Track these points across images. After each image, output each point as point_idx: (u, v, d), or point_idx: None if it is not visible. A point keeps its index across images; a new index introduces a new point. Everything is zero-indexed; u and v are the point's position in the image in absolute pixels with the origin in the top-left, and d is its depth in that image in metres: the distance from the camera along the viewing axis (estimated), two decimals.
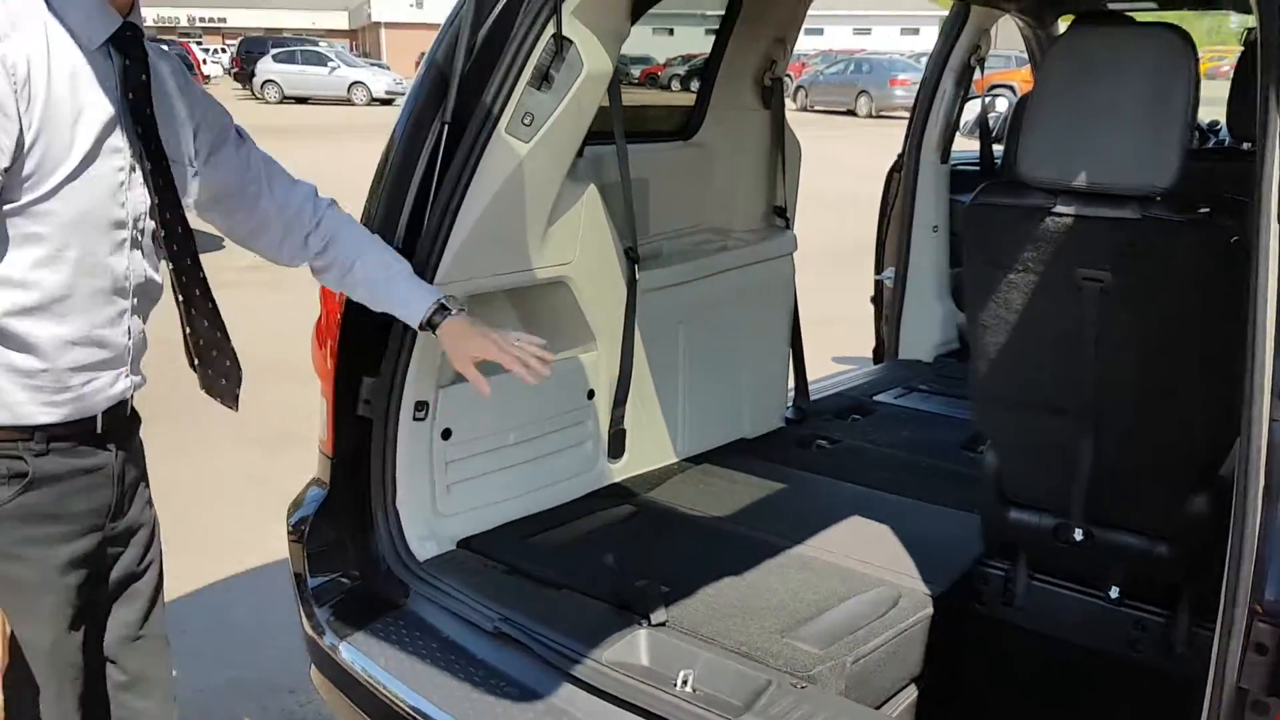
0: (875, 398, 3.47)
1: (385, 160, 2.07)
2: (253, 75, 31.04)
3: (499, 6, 2.01)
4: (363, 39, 61.52)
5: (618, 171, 2.48)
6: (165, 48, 1.60)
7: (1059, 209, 1.70)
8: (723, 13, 2.93)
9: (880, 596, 2.00)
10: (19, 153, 1.30)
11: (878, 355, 4.08)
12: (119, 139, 1.40)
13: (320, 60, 30.87)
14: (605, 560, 1.97)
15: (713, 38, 2.95)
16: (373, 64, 35.77)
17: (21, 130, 1.29)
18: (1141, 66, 1.63)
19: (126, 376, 1.53)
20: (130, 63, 1.41)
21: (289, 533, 2.11)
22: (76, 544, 1.50)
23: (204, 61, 33.52)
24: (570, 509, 2.37)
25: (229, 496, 3.99)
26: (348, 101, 30.03)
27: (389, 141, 2.08)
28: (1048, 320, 1.80)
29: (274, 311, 6.83)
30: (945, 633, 1.98)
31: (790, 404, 3.23)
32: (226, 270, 7.92)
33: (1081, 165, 1.66)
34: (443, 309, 1.76)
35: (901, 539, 2.26)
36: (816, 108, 26.96)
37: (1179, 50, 1.60)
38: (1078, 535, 1.87)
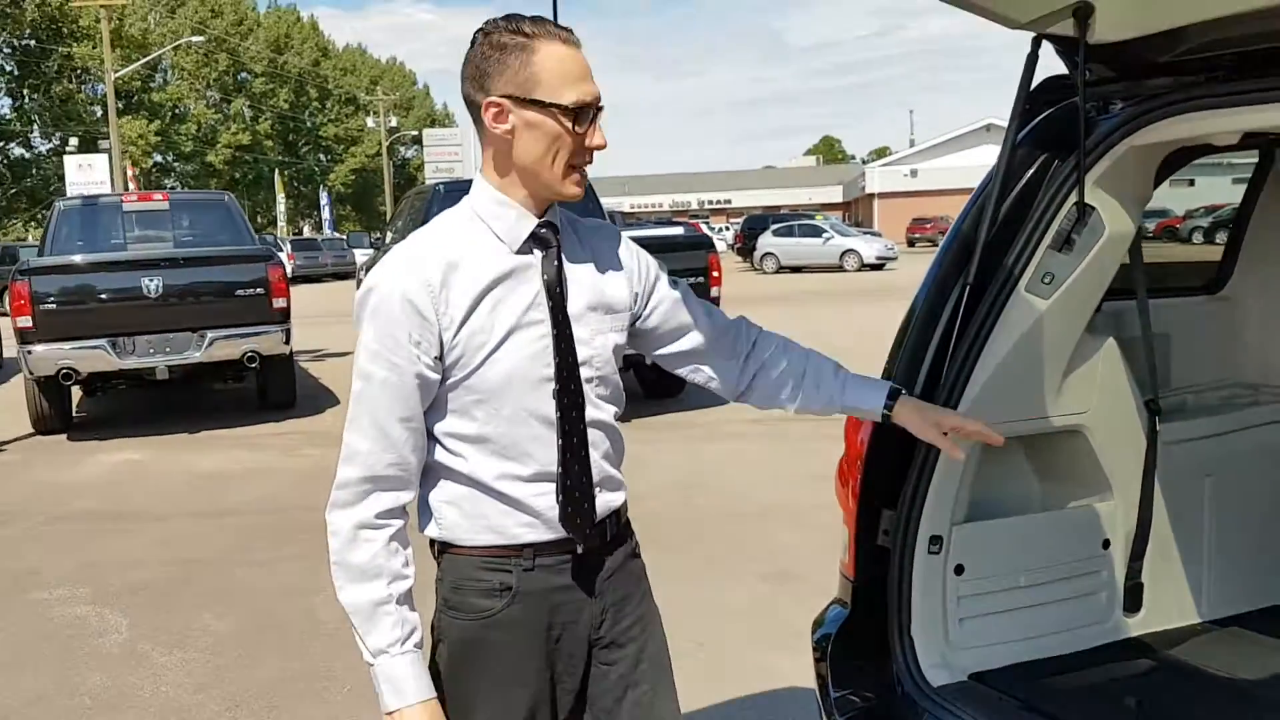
0: None
1: (909, 317, 2.32)
2: (753, 249, 33.81)
3: (1024, 180, 2.20)
4: (856, 209, 64.36)
5: (1137, 326, 2.52)
6: (608, 221, 1.88)
7: None
8: (1254, 163, 2.88)
9: None
10: (442, 346, 1.64)
11: None
12: (540, 313, 1.68)
13: (815, 232, 32.89)
14: (1126, 702, 1.96)
15: (1241, 187, 2.90)
16: (865, 232, 37.31)
17: (441, 328, 1.63)
18: None
19: (593, 503, 1.74)
20: (545, 253, 1.70)
21: (813, 648, 2.34)
22: (556, 646, 1.76)
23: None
24: (1085, 656, 2.36)
25: (740, 623, 4.34)
26: (839, 268, 31.54)
27: (912, 302, 2.33)
28: None
29: (773, 460, 7.35)
30: None
31: None
32: (732, 423, 8.73)
33: None
34: (894, 393, 1.91)
35: None
36: None
37: None
38: None
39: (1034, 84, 2.21)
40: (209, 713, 3.75)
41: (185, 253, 9.46)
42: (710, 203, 73.49)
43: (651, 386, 9.97)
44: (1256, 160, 2.86)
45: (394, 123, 67.81)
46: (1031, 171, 2.20)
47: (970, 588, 2.27)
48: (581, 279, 1.75)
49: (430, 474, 1.74)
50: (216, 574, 5.32)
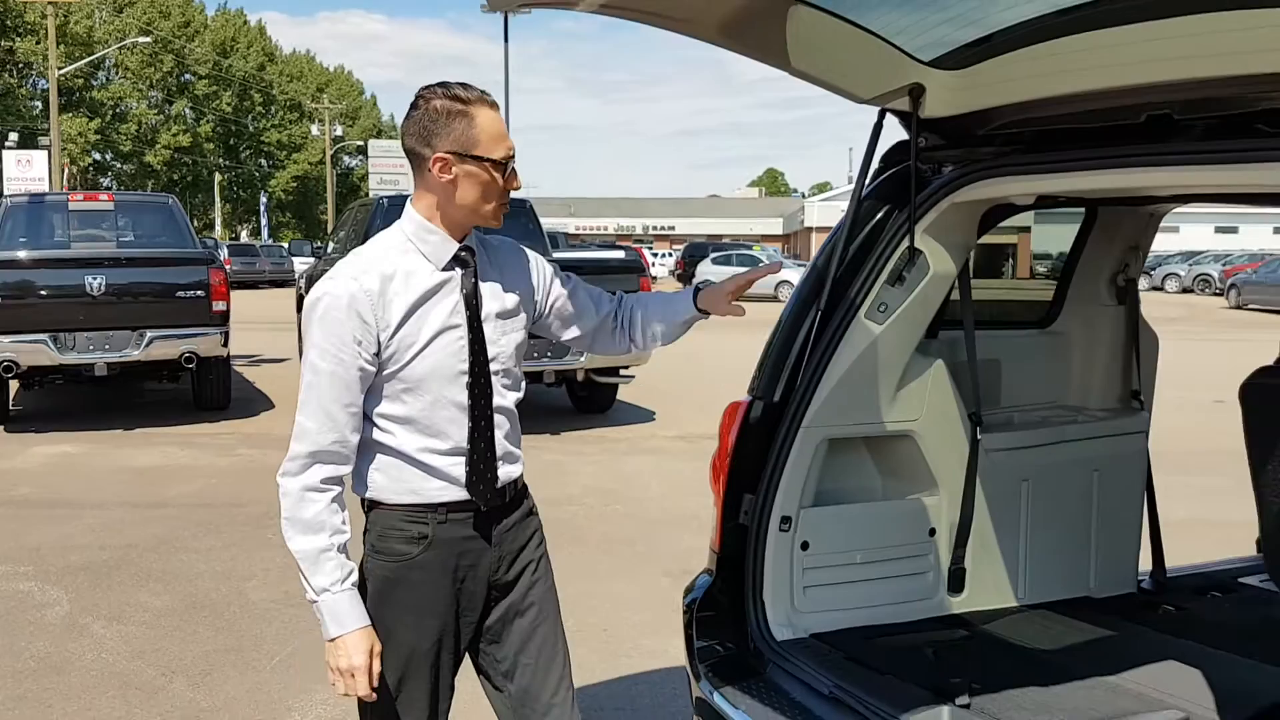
0: (1241, 580, 3.54)
1: (773, 335, 2.77)
2: (693, 276, 34.53)
3: (868, 227, 2.68)
4: (794, 242, 65.55)
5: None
6: (523, 247, 2.31)
7: None
8: (1079, 223, 3.40)
9: (1171, 717, 2.27)
10: (379, 345, 2.01)
11: (1260, 545, 4.06)
12: (459, 319, 2.07)
13: (753, 262, 33.68)
14: (936, 660, 2.42)
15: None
16: (800, 264, 38.18)
17: (379, 330, 2.01)
18: None
19: (495, 473, 2.14)
20: (464, 271, 2.09)
21: (683, 609, 2.78)
22: (461, 585, 2.14)
23: (652, 263, 37.85)
24: (910, 626, 2.81)
25: (642, 614, 4.75)
26: (774, 298, 32.30)
27: (776, 322, 2.79)
28: None
29: (689, 473, 7.78)
30: None
31: (1148, 576, 3.43)
32: (656, 438, 9.20)
33: None
34: (695, 293, 2.35)
35: (1212, 683, 2.47)
36: (1251, 306, 26.94)
37: None
38: None
39: (886, 147, 2.71)
40: (146, 677, 4.07)
41: (129, 253, 9.68)
42: (655, 228, 74.26)
43: (581, 402, 10.39)
44: (1082, 220, 3.38)
45: (339, 131, 67.55)
46: (874, 220, 2.68)
47: (814, 561, 2.72)
48: (491, 290, 2.14)
49: (364, 447, 2.13)
50: (152, 558, 5.61)
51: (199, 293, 9.37)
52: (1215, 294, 34.15)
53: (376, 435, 2.11)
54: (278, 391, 11.42)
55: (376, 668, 2.06)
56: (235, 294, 9.99)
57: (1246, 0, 1.94)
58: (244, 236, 65.71)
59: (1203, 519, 5.45)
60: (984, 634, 2.85)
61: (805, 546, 2.71)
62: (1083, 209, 3.36)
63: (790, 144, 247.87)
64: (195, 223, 59.28)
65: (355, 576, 2.08)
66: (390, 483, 2.12)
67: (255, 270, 36.80)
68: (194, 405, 10.30)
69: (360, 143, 67.15)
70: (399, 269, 2.06)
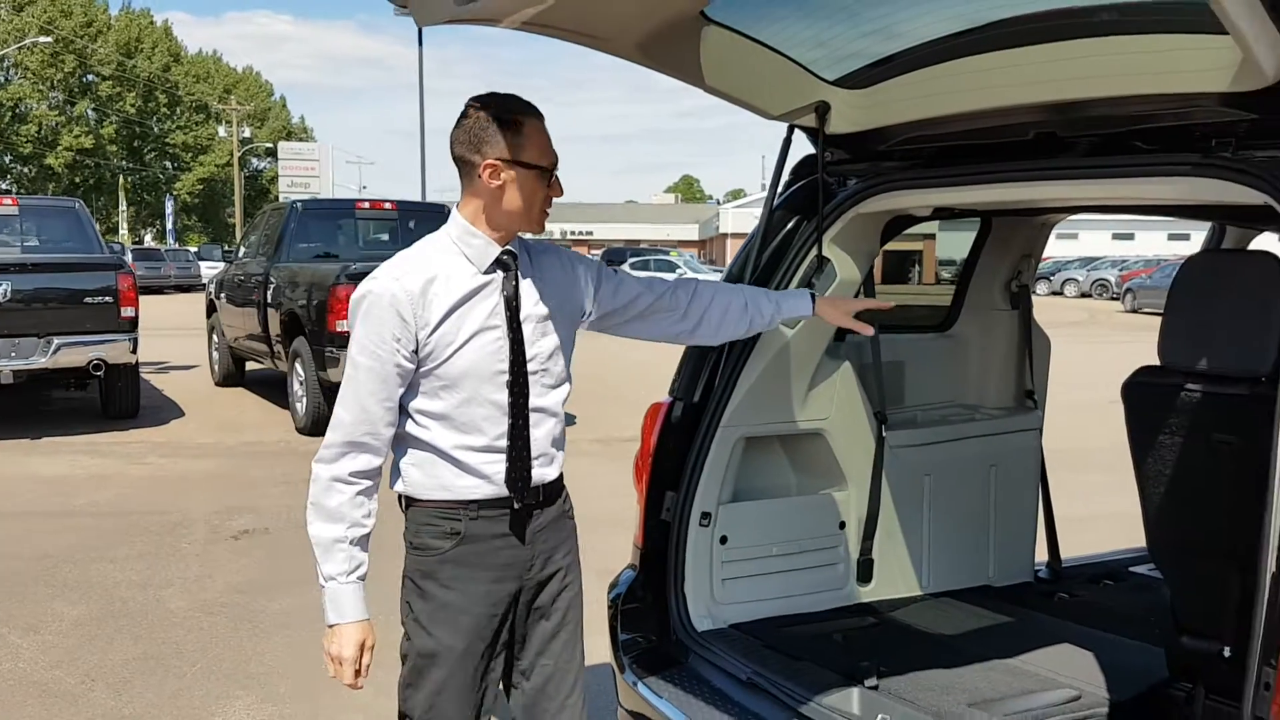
0: (1132, 569, 3.78)
1: None
2: None
3: (779, 236, 2.83)
4: (710, 248, 66.18)
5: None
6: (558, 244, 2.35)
7: (1189, 386, 2.20)
8: (975, 233, 3.60)
9: (1064, 695, 2.46)
10: (417, 343, 2.08)
11: None
12: (498, 320, 2.13)
13: (670, 268, 33.98)
14: (847, 646, 2.57)
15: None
16: (716, 270, 38.64)
17: (418, 329, 2.07)
18: (1248, 285, 2.14)
19: (530, 471, 2.18)
20: (505, 274, 2.15)
21: (608, 603, 2.89)
22: (493, 585, 2.17)
23: None
24: (823, 615, 2.97)
25: None
26: None
27: None
28: (1193, 473, 2.25)
29: (611, 475, 7.88)
30: None
31: (1045, 565, 3.65)
32: (578, 442, 9.27)
33: (1204, 354, 2.16)
34: (813, 296, 2.49)
35: (1103, 664, 2.67)
36: (1146, 310, 27.71)
37: (1275, 272, 2.10)
38: (1226, 653, 2.24)
39: (795, 161, 2.86)
40: (66, 685, 4.03)
41: (35, 258, 9.45)
42: (573, 233, 74.14)
43: None
44: (977, 231, 3.58)
45: (247, 133, 66.07)
46: (785, 229, 2.83)
47: (733, 554, 2.86)
48: (533, 292, 2.20)
49: (400, 442, 2.19)
50: (66, 568, 5.52)
51: (107, 299, 9.19)
52: (1112, 298, 35.39)
53: (413, 430, 2.16)
54: (187, 399, 11.21)
55: (366, 661, 2.13)
56: (141, 300, 9.79)
57: (1121, 27, 2.13)
58: (148, 240, 63.85)
59: (1100, 513, 5.74)
60: (891, 621, 3.02)
61: (724, 541, 2.83)
62: (979, 219, 3.57)
63: (706, 151, 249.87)
64: (99, 226, 57.58)
65: (364, 570, 2.14)
66: (425, 478, 2.17)
67: (160, 275, 35.80)
68: (102, 414, 10.08)
69: (270, 145, 65.76)
70: (441, 271, 2.12)
